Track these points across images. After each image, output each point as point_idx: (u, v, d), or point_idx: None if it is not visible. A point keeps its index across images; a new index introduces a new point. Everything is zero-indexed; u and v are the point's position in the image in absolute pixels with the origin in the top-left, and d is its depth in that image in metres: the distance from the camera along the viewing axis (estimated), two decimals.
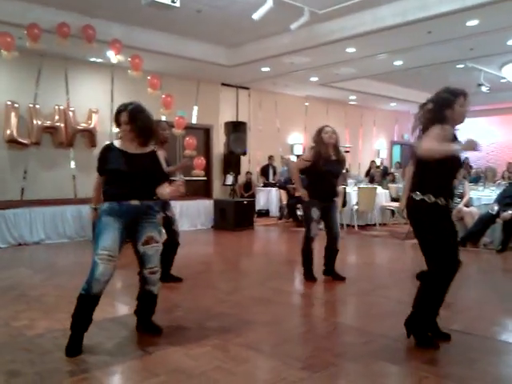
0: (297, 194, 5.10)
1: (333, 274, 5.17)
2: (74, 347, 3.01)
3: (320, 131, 4.98)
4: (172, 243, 4.95)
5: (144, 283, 3.32)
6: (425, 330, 3.14)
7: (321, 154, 4.89)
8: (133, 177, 3.16)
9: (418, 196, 3.07)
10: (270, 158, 12.76)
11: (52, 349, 3.10)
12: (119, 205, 3.13)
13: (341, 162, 5.09)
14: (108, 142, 3.38)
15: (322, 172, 4.86)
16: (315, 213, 4.95)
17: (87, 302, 3.06)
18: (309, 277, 5.11)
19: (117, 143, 3.28)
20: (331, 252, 5.14)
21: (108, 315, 3.85)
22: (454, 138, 3.05)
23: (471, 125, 16.11)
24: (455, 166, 3.14)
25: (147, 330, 3.42)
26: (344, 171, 5.29)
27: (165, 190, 3.26)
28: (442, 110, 3.05)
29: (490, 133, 16.15)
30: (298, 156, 13.16)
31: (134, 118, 3.18)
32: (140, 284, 3.37)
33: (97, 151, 3.59)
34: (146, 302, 3.40)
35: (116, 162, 3.17)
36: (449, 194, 3.12)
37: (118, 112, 3.22)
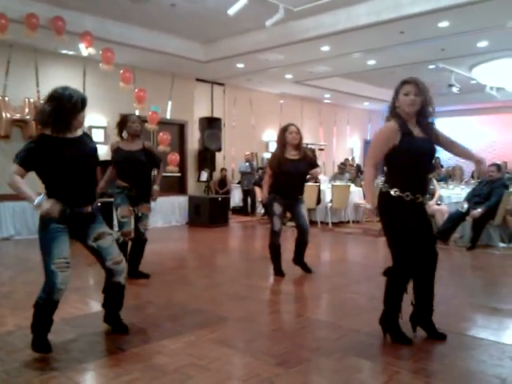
0: (263, 198, 5.29)
1: (301, 265, 5.28)
2: (42, 345, 2.94)
3: (284, 130, 5.06)
4: (139, 240, 4.92)
5: (110, 275, 3.18)
6: (397, 325, 3.18)
7: (276, 157, 5.06)
8: (73, 169, 2.91)
9: (385, 188, 3.12)
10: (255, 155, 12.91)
11: (21, 346, 3.03)
12: (71, 211, 2.92)
13: (306, 159, 5.12)
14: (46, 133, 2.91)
15: (281, 172, 4.96)
16: (277, 208, 5.04)
17: (48, 310, 2.95)
18: (277, 271, 5.16)
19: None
20: (301, 244, 5.23)
21: (80, 312, 3.79)
22: (407, 131, 3.05)
23: (441, 125, 16.43)
24: (420, 160, 3.08)
25: (114, 327, 3.34)
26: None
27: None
28: (393, 99, 3.14)
29: (460, 133, 16.48)
30: (272, 153, 13.22)
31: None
32: (106, 276, 3.22)
33: None
34: (113, 294, 3.28)
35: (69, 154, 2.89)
36: (417, 188, 3.08)
37: (84, 99, 2.95)
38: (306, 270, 5.26)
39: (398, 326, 3.19)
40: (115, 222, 5.23)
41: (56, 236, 2.90)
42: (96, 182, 3.19)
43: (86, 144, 3.04)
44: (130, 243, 4.88)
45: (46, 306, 2.94)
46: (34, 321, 2.98)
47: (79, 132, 3.05)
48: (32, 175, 2.90)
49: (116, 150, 4.81)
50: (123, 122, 4.82)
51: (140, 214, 4.88)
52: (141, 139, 4.88)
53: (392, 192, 3.06)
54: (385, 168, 3.30)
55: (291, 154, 5.01)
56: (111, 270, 3.15)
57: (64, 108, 2.86)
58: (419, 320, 3.29)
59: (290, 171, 4.95)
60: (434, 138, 3.16)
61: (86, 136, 3.13)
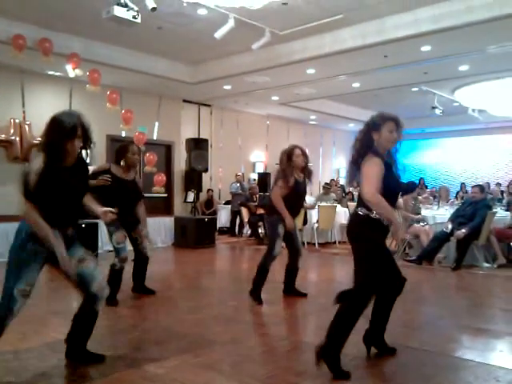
0: (288, 224, 4.80)
1: (294, 292, 5.16)
2: None
3: (290, 155, 4.76)
4: (140, 259, 5.10)
5: (92, 302, 2.97)
6: (338, 360, 2.92)
7: (295, 179, 4.79)
8: (72, 196, 2.87)
9: (362, 211, 3.03)
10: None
11: (0, 372, 2.94)
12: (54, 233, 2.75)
13: (307, 177, 5.00)
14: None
15: (294, 194, 4.80)
16: (282, 230, 4.82)
17: None
18: (258, 298, 4.87)
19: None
20: (292, 270, 5.11)
21: (62, 336, 3.68)
22: (388, 165, 3.01)
23: (426, 147, 16.67)
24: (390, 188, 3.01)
25: (87, 359, 3.09)
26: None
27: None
28: (370, 132, 3.05)
29: (447, 155, 16.70)
30: (259, 174, 13.22)
31: (86, 131, 2.85)
32: (84, 303, 3.01)
33: None
34: (87, 323, 3.04)
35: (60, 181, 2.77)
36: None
37: (75, 125, 2.75)
38: (301, 294, 5.11)
39: (339, 359, 2.93)
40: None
41: (32, 259, 2.73)
42: (81, 204, 3.02)
43: (77, 173, 2.90)
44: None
45: None
46: None
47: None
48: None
49: (113, 178, 4.65)
50: (123, 152, 4.77)
51: (138, 237, 5.00)
52: (134, 170, 4.94)
53: (372, 215, 3.01)
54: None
55: (298, 176, 4.84)
56: (95, 296, 2.95)
57: (53, 136, 2.74)
58: (372, 340, 3.26)
59: (300, 191, 4.87)
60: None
61: (81, 163, 2.97)
